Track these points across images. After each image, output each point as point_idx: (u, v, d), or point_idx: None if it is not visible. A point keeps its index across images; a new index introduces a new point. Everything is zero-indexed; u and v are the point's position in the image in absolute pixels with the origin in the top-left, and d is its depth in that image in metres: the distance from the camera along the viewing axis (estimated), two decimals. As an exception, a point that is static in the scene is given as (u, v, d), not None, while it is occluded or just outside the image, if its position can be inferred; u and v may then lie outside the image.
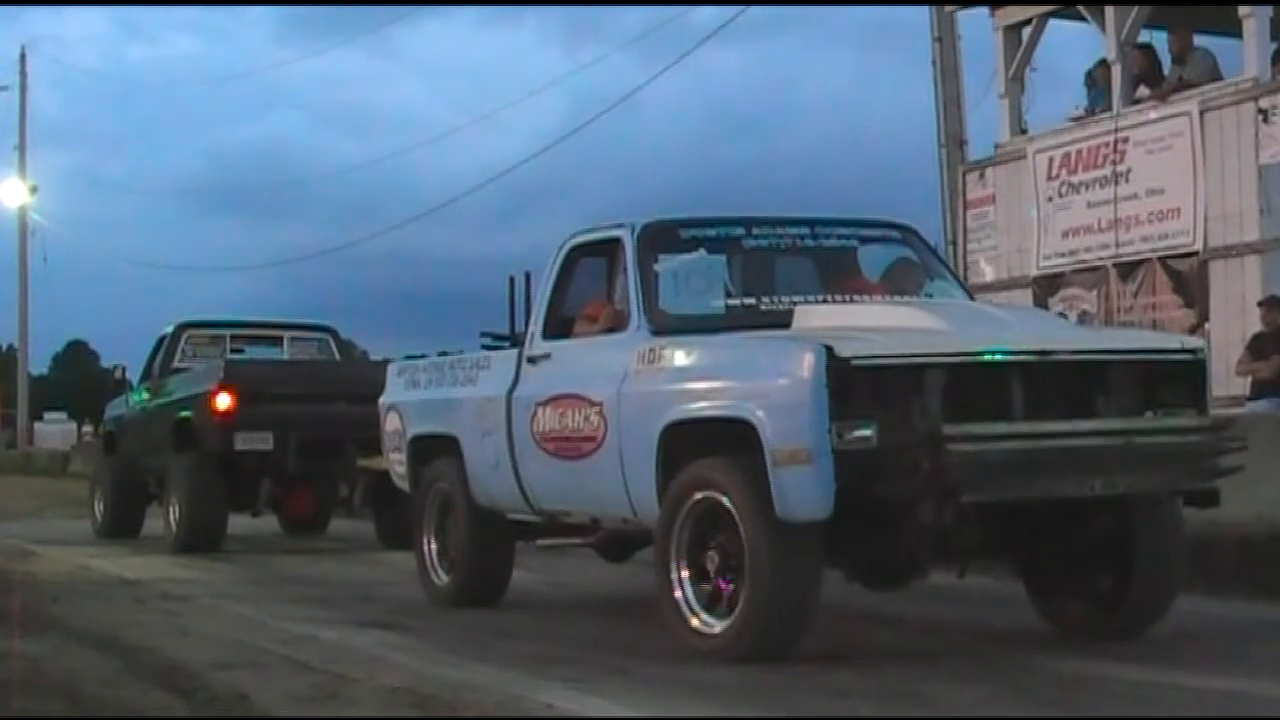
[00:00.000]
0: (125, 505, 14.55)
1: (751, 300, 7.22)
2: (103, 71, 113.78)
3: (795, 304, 7.04)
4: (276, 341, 14.91)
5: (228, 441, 12.30)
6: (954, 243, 15.39)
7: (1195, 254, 12.93)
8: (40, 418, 42.29)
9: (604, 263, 7.53)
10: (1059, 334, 6.78)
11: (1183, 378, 6.52)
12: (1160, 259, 13.20)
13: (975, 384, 6.19)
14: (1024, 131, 14.62)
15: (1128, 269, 13.43)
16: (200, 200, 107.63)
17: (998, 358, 6.19)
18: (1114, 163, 13.47)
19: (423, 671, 6.20)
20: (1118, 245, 13.47)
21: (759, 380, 6.22)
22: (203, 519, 12.43)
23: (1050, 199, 14.01)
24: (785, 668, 6.09)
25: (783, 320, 6.86)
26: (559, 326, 7.66)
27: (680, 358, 6.73)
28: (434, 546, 8.65)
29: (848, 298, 7.27)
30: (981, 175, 14.90)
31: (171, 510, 12.80)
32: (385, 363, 12.35)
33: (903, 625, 7.40)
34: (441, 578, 8.58)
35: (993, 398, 6.17)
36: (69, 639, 7.30)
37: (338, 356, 14.98)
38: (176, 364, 14.18)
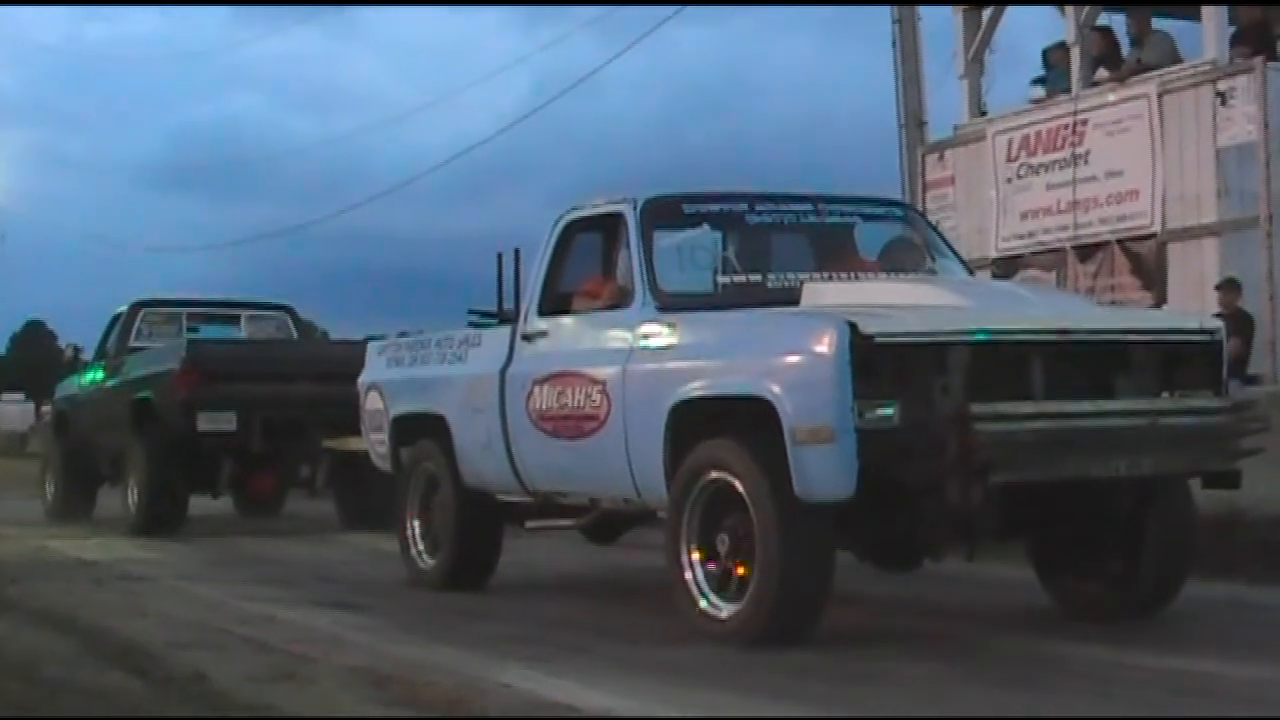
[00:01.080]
0: (77, 486, 14.21)
1: (757, 276, 6.95)
2: (62, 49, 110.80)
3: (801, 280, 6.78)
4: (234, 320, 14.50)
5: (190, 422, 11.87)
6: None
7: (1154, 236, 12.79)
8: None
9: (603, 238, 7.23)
10: (1080, 312, 6.54)
11: (1200, 359, 6.31)
12: (1119, 241, 13.05)
13: (996, 363, 5.92)
14: (983, 113, 14.41)
15: (1086, 251, 13.27)
16: (160, 179, 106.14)
17: (1023, 337, 5.95)
18: (1073, 145, 13.31)
19: (381, 651, 6.12)
20: (1076, 227, 13.31)
21: (777, 357, 5.93)
22: (163, 501, 12.06)
23: (1009, 180, 13.81)
24: (742, 648, 5.92)
25: (791, 297, 6.61)
26: (555, 303, 7.33)
27: (689, 334, 6.44)
28: (418, 528, 8.34)
29: (849, 275, 7.02)
30: (941, 156, 14.67)
31: (130, 492, 12.39)
32: (349, 342, 12.06)
33: (875, 605, 7.17)
34: (426, 561, 8.26)
35: (1013, 377, 5.91)
36: (27, 620, 7.14)
37: (295, 335, 14.65)
38: (133, 343, 13.76)
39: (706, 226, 7.03)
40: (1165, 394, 6.18)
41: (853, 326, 5.68)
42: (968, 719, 4.85)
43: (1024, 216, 13.89)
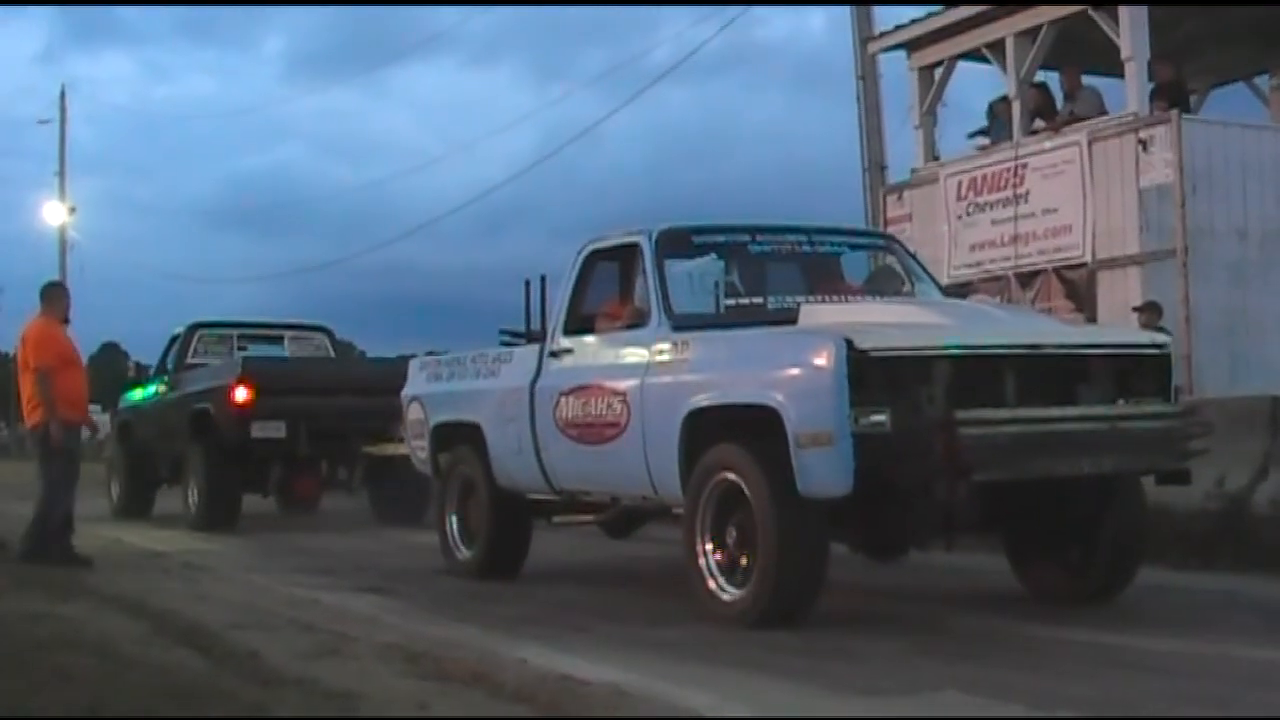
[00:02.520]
0: (138, 488, 13.99)
1: (759, 299, 6.88)
2: (131, 107, 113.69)
3: (799, 303, 6.68)
4: (278, 340, 14.40)
5: (245, 430, 11.77)
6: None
7: (1085, 265, 12.79)
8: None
9: (620, 266, 7.15)
10: (1046, 329, 6.46)
11: (1151, 370, 6.22)
12: (1055, 269, 13.05)
13: (974, 374, 5.85)
14: (936, 158, 14.39)
15: (1026, 278, 13.27)
16: (216, 219, 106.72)
17: (998, 350, 5.88)
18: (1014, 186, 13.31)
19: (413, 631, 6.13)
20: (1017, 257, 13.32)
21: (781, 370, 5.85)
22: (220, 500, 11.92)
23: (959, 217, 13.83)
24: (730, 628, 5.91)
25: (789, 318, 6.50)
26: (579, 323, 7.24)
27: (702, 350, 6.35)
28: (456, 525, 8.22)
29: (840, 297, 6.94)
30: (900, 196, 14.67)
31: (190, 492, 12.27)
32: (383, 360, 11.98)
33: (857, 590, 7.03)
34: (464, 552, 8.14)
35: (989, 387, 5.84)
36: (104, 604, 7.14)
37: (333, 353, 14.52)
38: (190, 360, 13.66)
39: (713, 255, 6.92)
40: (1121, 401, 6.10)
41: (849, 342, 5.62)
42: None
43: (972, 248, 13.88)
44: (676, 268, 6.83)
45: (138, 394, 14.60)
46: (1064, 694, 4.59)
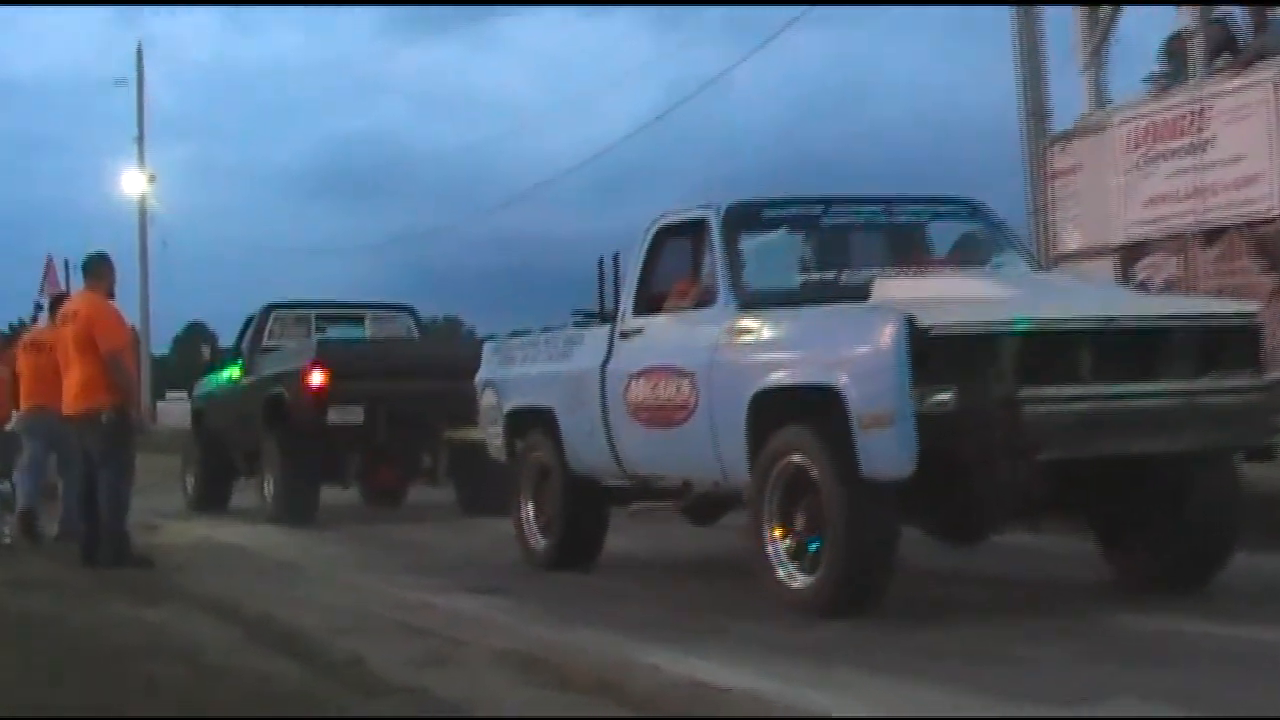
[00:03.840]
0: (214, 480, 15.36)
1: (831, 274, 7.77)
2: (214, 66, 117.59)
3: (872, 277, 7.55)
4: (359, 321, 15.65)
5: (321, 416, 12.89)
6: (1037, 212, 15.49)
7: (1276, 219, 13.27)
8: (163, 396, 43.30)
9: (690, 242, 8.06)
10: (1122, 302, 7.27)
11: (1239, 342, 6.97)
12: (1241, 225, 13.18)
13: (1045, 350, 6.63)
14: (1105, 104, 14.74)
15: (1209, 236, 13.40)
16: (308, 186, 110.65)
17: (1066, 325, 6.72)
18: (1194, 132, 13.64)
19: (529, 634, 6.50)
20: (1199, 213, 13.51)
21: (843, 350, 6.71)
22: (297, 491, 13.07)
23: (1132, 169, 14.15)
24: (876, 627, 6.43)
25: (861, 293, 7.32)
26: (649, 303, 8.20)
27: (767, 330, 7.24)
28: (531, 512, 9.30)
29: (922, 270, 7.79)
30: (1064, 147, 14.98)
31: (266, 483, 13.49)
32: (467, 341, 13.30)
33: (983, 583, 7.78)
34: (540, 541, 9.20)
35: (1062, 362, 6.61)
36: (192, 606, 7.66)
37: (416, 334, 15.72)
38: (265, 343, 14.92)
39: (784, 229, 7.90)
40: (1209, 376, 6.84)
41: (910, 319, 6.45)
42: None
43: (1148, 203, 13.95)
44: (747, 243, 7.78)
45: (212, 380, 16.06)
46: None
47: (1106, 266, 14.62)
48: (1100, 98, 15.06)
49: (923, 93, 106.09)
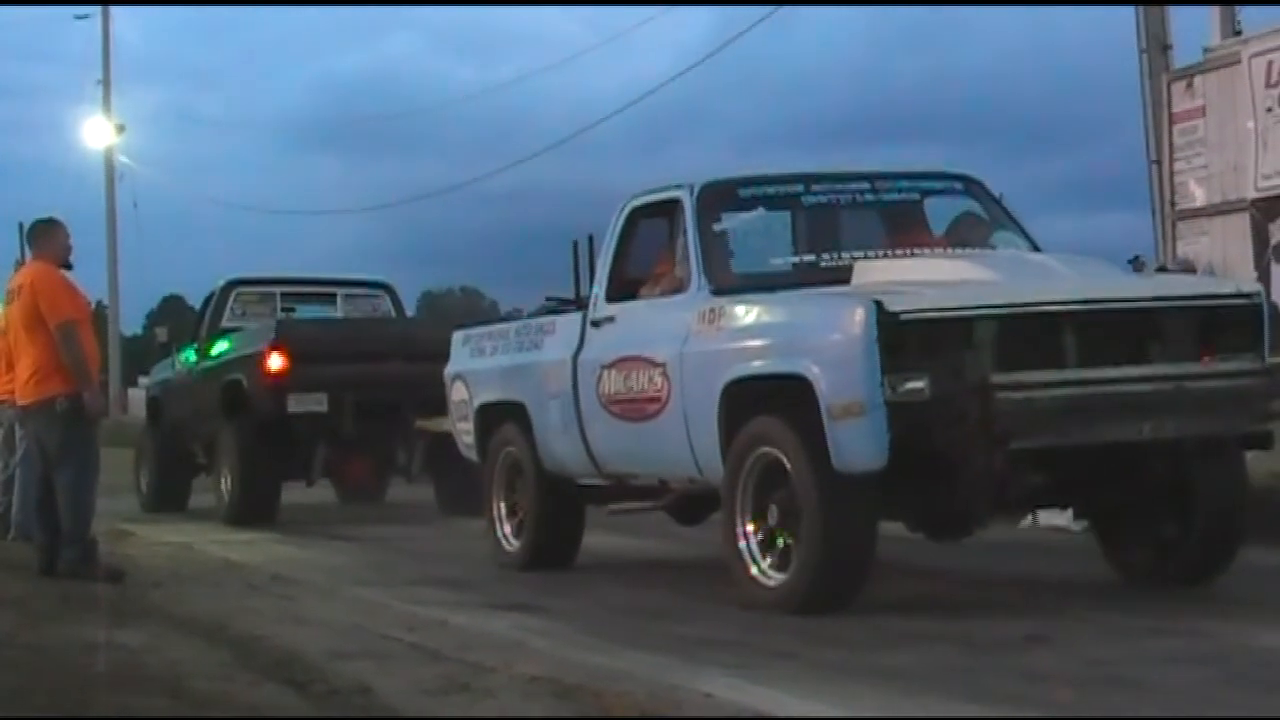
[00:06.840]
0: (171, 477, 15.76)
1: (812, 257, 8.45)
2: None
3: (855, 259, 8.20)
4: (330, 299, 16.11)
5: (280, 404, 13.34)
6: (1158, 162, 15.31)
7: None
8: (135, 383, 41.18)
9: (665, 224, 8.72)
10: (1111, 283, 7.84)
11: (1240, 324, 7.53)
12: None
13: (1027, 334, 7.26)
14: (1238, 33, 14.57)
15: None
16: (304, 136, 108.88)
17: (1045, 308, 7.29)
18: None
19: (565, 658, 6.48)
20: None
21: (813, 337, 7.36)
22: (255, 488, 13.56)
23: (1270, 109, 13.96)
24: (978, 652, 6.48)
25: (842, 276, 7.98)
26: (622, 289, 8.87)
27: (738, 317, 7.90)
28: (504, 512, 9.99)
29: (909, 251, 8.42)
30: (1189, 84, 14.87)
31: (223, 479, 14.01)
32: (443, 323, 13.41)
33: (1019, 585, 8.22)
34: (511, 543, 9.91)
35: (1045, 346, 7.24)
36: (173, 627, 7.66)
37: (394, 314, 16.13)
38: (225, 324, 15.35)
39: (762, 209, 8.58)
40: (1208, 360, 7.43)
41: (879, 305, 7.05)
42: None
43: None
44: (722, 225, 8.45)
45: (169, 365, 16.43)
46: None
47: (1239, 225, 14.30)
48: (1231, 26, 14.85)
49: (1023, 23, 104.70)
